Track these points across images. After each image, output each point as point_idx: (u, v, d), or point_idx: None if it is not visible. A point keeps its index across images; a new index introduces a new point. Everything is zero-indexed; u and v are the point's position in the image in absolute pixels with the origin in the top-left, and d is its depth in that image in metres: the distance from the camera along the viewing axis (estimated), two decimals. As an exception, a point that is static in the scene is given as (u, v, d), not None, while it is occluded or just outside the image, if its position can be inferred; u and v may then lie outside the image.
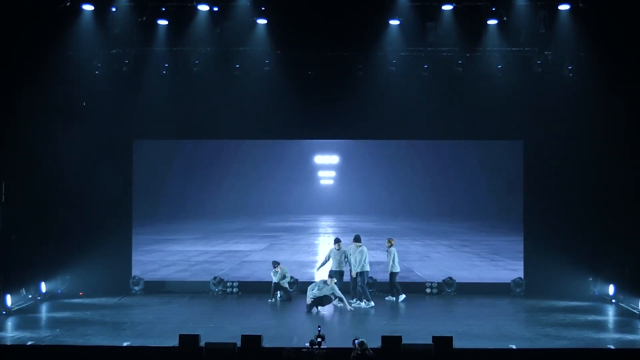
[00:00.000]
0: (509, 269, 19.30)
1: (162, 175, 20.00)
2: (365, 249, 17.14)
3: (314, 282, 16.97)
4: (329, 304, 16.46)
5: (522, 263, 18.97)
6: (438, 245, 21.66)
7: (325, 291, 16.42)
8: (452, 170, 20.22)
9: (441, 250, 21.34)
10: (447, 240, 21.77)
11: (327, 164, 20.42)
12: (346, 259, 17.29)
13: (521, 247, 19.00)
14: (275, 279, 17.64)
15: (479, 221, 20.89)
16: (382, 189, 20.61)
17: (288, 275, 17.93)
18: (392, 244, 17.57)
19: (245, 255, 21.12)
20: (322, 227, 21.89)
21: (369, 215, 21.56)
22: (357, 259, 17.00)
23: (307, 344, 10.97)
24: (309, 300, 16.42)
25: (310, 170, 20.33)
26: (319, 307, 16.37)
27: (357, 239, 17.15)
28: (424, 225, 21.72)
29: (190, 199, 20.32)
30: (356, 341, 10.72)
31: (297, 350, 10.97)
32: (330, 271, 17.22)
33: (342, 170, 20.32)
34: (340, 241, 17.42)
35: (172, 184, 20.14)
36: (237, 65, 17.93)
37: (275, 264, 17.73)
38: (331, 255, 17.39)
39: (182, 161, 20.13)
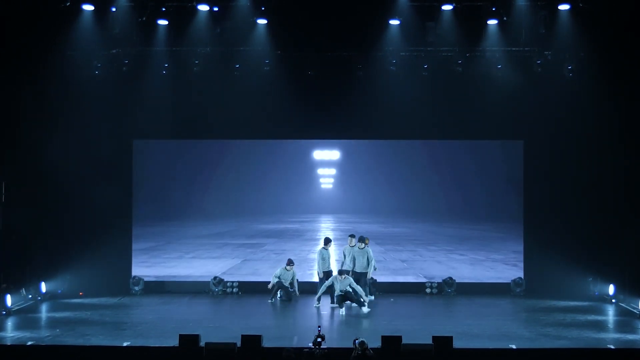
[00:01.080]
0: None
1: (158, 175, 19.79)
2: (369, 250, 17.05)
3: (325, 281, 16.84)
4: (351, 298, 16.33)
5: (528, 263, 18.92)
6: (489, 260, 19.03)
7: (344, 285, 16.30)
8: (458, 169, 19.81)
9: (506, 272, 18.78)
10: (497, 253, 19.19)
11: (327, 159, 20.11)
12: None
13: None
14: (277, 278, 17.47)
15: (498, 224, 19.59)
16: (383, 188, 20.30)
17: (295, 279, 17.80)
18: (366, 244, 17.31)
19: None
20: (320, 231, 20.52)
21: (371, 216, 20.80)
22: (362, 261, 16.87)
23: (311, 344, 10.91)
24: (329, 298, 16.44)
25: (310, 169, 20.14)
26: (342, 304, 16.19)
27: (361, 240, 17.03)
28: (440, 228, 20.13)
29: (183, 199, 19.96)
30: (357, 341, 10.72)
31: (298, 350, 10.96)
32: (320, 272, 17.16)
33: (342, 169, 20.17)
34: (331, 241, 17.31)
35: (169, 184, 19.87)
36: (237, 65, 17.94)
37: (290, 262, 17.53)
38: (324, 256, 17.24)
39: (181, 161, 20.00)
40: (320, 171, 20.12)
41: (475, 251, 19.38)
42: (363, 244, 16.93)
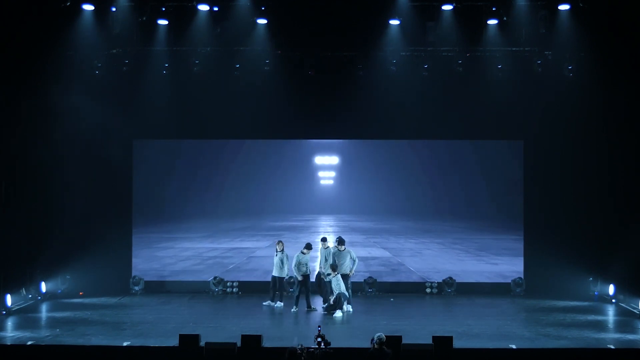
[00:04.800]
0: None
1: (154, 175, 19.65)
2: (351, 250, 16.84)
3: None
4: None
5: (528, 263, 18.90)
6: None
7: (334, 284, 16.23)
8: (459, 169, 19.62)
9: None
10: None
11: (327, 158, 19.99)
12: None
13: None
14: (298, 268, 16.67)
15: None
16: (382, 189, 20.06)
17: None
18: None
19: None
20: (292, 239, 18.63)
21: (375, 218, 20.41)
22: (345, 262, 16.58)
23: (322, 344, 10.76)
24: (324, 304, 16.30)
25: (310, 170, 20.00)
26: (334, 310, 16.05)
27: (341, 242, 16.75)
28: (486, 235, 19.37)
29: (181, 199, 19.82)
30: (376, 335, 10.58)
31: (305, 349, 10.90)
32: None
33: (342, 169, 20.04)
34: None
35: (165, 184, 19.69)
36: (237, 65, 17.95)
37: (309, 246, 16.85)
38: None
39: (180, 161, 19.89)
40: (320, 167, 19.93)
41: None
42: (343, 246, 16.68)
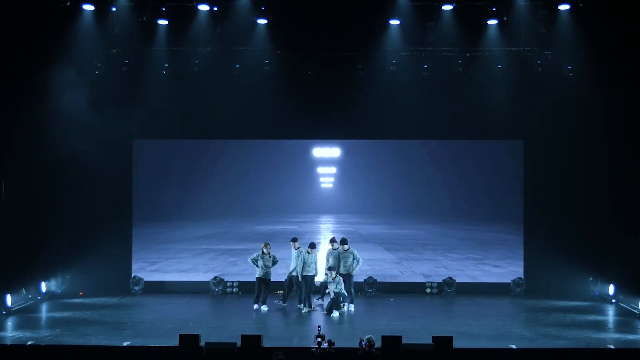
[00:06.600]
0: None
1: (157, 175, 19.64)
2: (354, 250, 16.86)
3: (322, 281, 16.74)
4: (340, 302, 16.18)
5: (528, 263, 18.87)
6: None
7: (334, 286, 16.19)
8: (459, 169, 19.48)
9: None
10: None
11: (327, 158, 19.83)
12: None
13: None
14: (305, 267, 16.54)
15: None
16: (382, 188, 19.91)
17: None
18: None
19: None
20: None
21: (376, 217, 20.12)
22: (348, 262, 16.57)
23: (325, 344, 10.72)
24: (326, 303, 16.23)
25: (310, 169, 19.86)
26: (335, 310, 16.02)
27: (344, 242, 16.75)
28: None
29: (182, 199, 19.57)
30: (365, 337, 10.56)
31: (301, 350, 10.90)
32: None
33: (342, 169, 19.93)
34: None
35: (168, 184, 19.68)
36: (237, 65, 17.96)
37: (313, 245, 16.75)
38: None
39: (180, 161, 19.85)
40: (321, 170, 19.81)
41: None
42: (347, 245, 16.65)
